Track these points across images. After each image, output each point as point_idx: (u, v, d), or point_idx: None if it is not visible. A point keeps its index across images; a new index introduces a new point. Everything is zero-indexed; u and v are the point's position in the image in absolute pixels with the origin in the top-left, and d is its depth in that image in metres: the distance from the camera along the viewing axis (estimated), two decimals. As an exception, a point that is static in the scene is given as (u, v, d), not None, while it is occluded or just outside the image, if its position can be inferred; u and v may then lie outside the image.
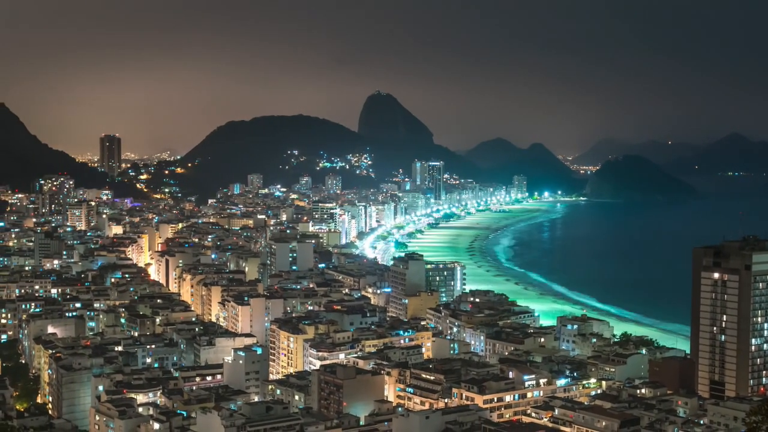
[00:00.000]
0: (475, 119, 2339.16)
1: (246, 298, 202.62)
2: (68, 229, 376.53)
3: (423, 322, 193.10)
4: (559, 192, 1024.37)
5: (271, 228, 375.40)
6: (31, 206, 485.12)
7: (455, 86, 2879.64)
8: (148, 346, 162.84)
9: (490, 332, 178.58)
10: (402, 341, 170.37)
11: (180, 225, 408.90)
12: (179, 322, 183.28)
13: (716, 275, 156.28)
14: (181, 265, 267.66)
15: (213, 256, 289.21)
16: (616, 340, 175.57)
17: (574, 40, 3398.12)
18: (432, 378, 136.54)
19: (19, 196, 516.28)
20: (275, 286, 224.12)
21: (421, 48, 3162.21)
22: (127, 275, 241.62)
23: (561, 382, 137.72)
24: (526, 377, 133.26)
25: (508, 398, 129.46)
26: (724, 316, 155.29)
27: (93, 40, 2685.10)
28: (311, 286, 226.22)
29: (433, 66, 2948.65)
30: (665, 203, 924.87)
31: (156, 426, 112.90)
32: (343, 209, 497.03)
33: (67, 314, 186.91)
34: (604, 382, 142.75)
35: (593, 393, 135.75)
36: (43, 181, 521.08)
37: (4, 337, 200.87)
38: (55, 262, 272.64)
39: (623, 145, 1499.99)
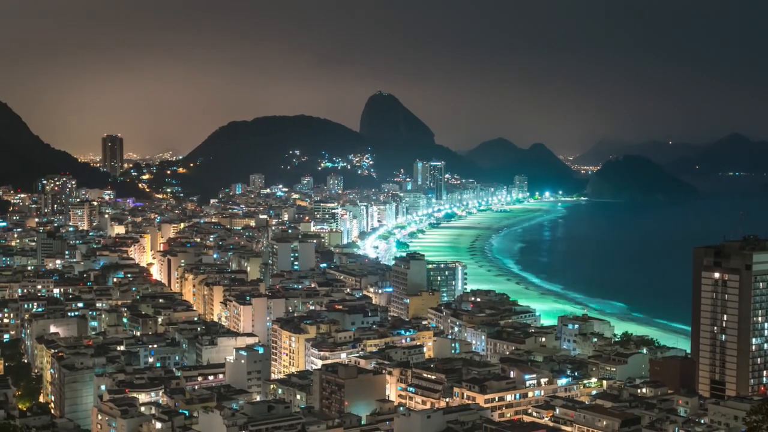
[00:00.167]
0: (476, 119, 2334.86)
1: (248, 298, 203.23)
2: (70, 229, 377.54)
3: (424, 322, 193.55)
4: (560, 192, 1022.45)
5: (273, 228, 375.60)
6: (33, 206, 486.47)
7: (456, 86, 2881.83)
8: (150, 346, 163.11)
9: (492, 332, 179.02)
10: (403, 341, 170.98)
11: (182, 225, 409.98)
12: (181, 322, 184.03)
13: (717, 275, 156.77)
14: (183, 264, 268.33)
15: (215, 255, 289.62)
16: (616, 339, 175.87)
17: (574, 40, 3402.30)
18: (433, 377, 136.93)
19: (22, 196, 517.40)
20: (277, 286, 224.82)
21: (422, 48, 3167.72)
22: (129, 275, 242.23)
23: (562, 381, 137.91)
24: (527, 377, 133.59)
25: (509, 398, 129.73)
26: (725, 316, 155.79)
27: (95, 41, 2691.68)
28: (313, 285, 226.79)
29: (434, 66, 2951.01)
30: (666, 203, 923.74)
31: (158, 425, 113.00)
32: (345, 209, 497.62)
33: (69, 314, 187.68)
34: (604, 382, 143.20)
35: (594, 392, 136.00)
36: (45, 181, 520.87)
37: (6, 336, 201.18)
38: (58, 261, 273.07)
39: (624, 145, 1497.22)
